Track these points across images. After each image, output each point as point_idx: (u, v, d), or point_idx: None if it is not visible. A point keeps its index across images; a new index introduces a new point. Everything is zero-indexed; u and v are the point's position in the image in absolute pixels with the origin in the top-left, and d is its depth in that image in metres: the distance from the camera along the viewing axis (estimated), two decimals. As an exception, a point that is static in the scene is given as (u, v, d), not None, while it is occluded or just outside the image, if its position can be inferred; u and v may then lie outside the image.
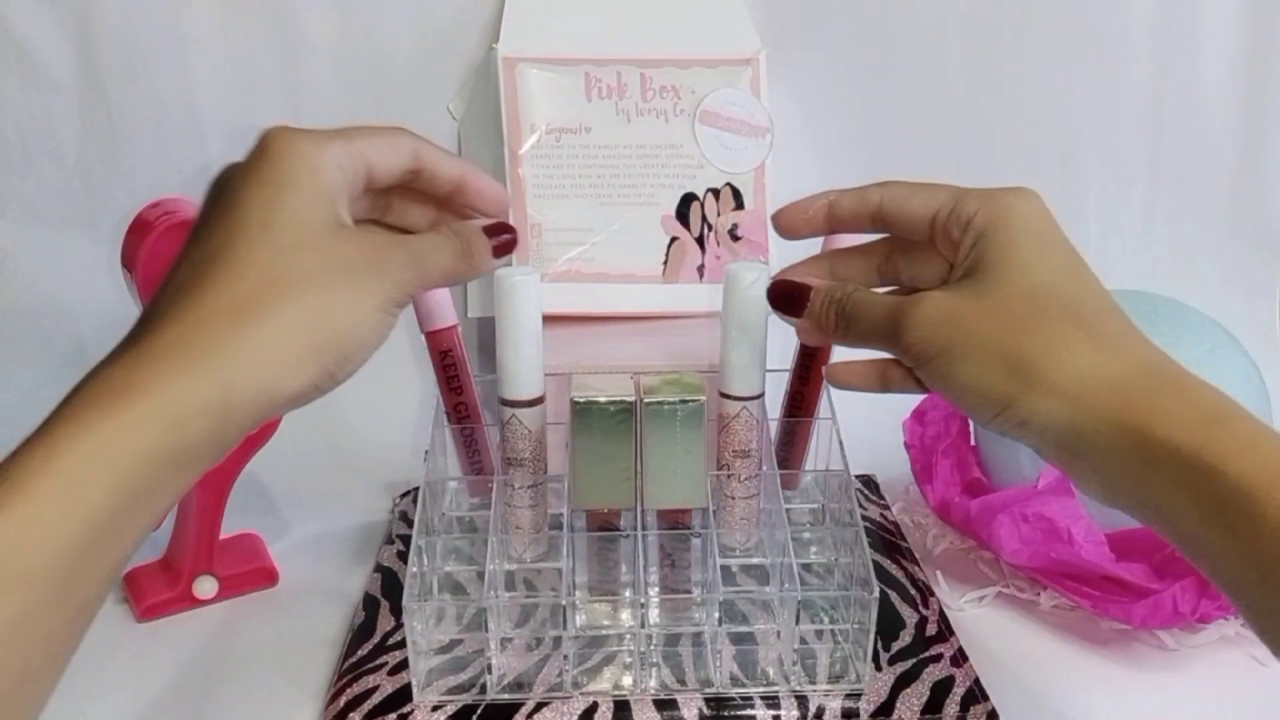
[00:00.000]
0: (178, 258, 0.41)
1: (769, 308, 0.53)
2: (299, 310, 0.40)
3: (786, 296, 0.51)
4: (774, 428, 0.65)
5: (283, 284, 0.40)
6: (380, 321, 0.43)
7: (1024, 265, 0.44)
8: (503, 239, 0.48)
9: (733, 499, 0.59)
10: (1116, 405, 0.41)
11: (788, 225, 0.51)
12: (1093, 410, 0.42)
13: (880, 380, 0.49)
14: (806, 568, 0.64)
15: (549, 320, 0.55)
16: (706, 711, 0.54)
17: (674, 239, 0.75)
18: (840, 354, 0.64)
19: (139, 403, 0.37)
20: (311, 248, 0.41)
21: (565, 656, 0.55)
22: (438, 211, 0.49)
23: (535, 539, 0.60)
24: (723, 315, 0.55)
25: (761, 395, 0.57)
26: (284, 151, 0.42)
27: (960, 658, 0.58)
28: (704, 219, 0.76)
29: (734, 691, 0.55)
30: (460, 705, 0.54)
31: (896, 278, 0.51)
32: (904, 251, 0.50)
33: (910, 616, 0.61)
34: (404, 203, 0.48)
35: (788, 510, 0.60)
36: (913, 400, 0.72)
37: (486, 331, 0.85)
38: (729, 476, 0.58)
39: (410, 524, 0.63)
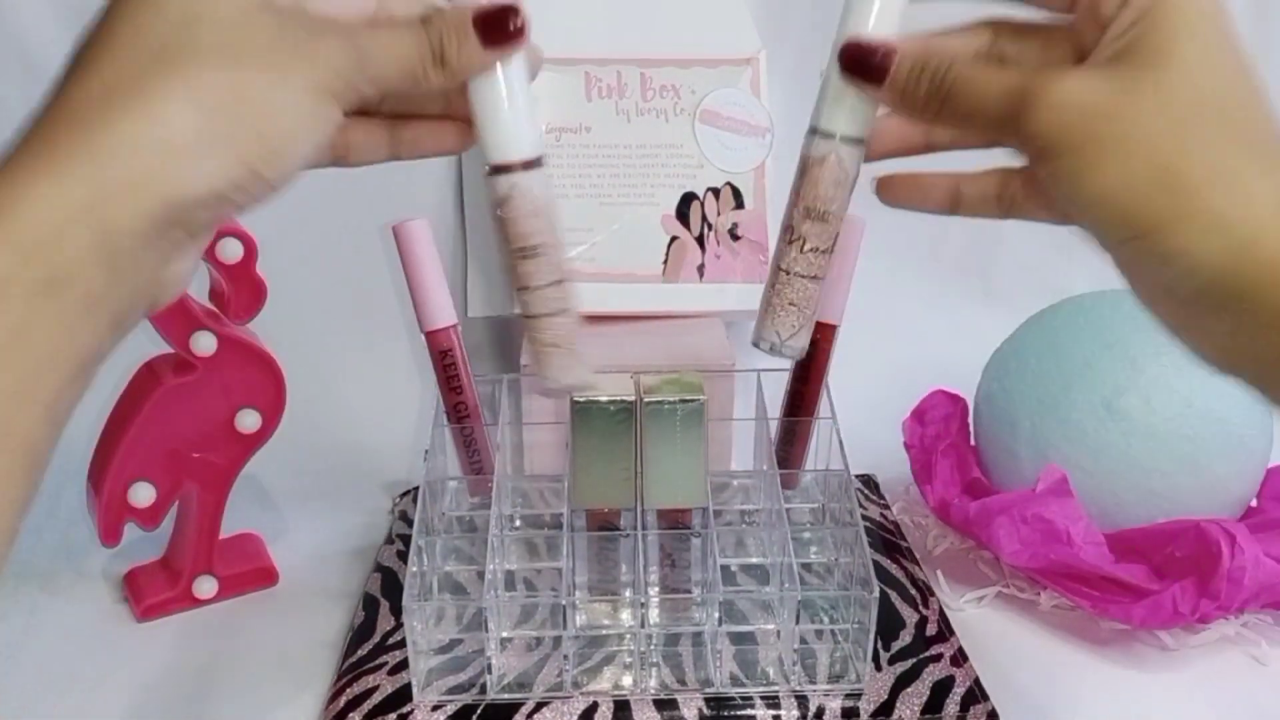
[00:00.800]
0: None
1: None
2: (191, 88, 0.33)
3: (861, 59, 0.40)
4: (773, 427, 0.65)
5: (170, 60, 0.33)
6: (314, 110, 0.35)
7: (1191, 63, 0.36)
8: (502, 27, 0.39)
9: (788, 273, 0.45)
10: None
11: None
12: (1264, 256, 0.34)
13: (949, 199, 0.42)
14: (806, 568, 0.64)
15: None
16: (706, 711, 0.54)
17: (674, 238, 0.75)
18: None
19: None
20: (212, 23, 0.34)
21: (565, 656, 0.55)
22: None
23: (571, 355, 0.43)
24: (837, 33, 0.43)
25: (863, 141, 0.44)
26: None
27: (960, 658, 0.58)
28: (704, 218, 0.76)
29: (734, 691, 0.55)
30: (460, 705, 0.54)
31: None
32: (1015, 35, 0.41)
33: (910, 616, 0.61)
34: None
35: (788, 510, 0.60)
36: (913, 400, 0.72)
37: (486, 331, 0.85)
38: (790, 244, 0.44)
39: (410, 524, 0.63)
